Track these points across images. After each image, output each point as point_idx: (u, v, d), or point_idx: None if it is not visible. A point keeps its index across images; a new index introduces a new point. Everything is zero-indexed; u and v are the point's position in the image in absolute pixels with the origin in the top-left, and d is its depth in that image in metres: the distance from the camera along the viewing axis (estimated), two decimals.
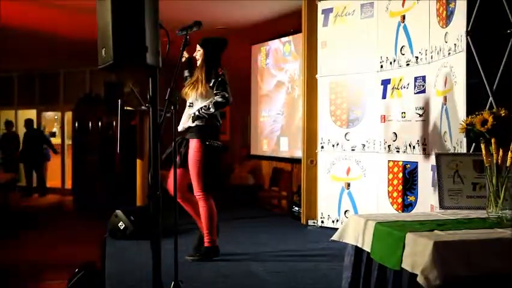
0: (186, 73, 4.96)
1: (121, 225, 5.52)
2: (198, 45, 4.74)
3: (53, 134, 15.00)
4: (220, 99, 4.54)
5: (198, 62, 4.73)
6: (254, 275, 4.26)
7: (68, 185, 12.80)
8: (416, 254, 2.52)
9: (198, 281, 3.98)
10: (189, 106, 4.72)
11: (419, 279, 2.40)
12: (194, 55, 4.75)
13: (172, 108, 3.20)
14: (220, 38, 4.98)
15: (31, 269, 5.90)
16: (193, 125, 4.60)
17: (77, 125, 11.46)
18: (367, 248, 2.98)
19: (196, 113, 4.58)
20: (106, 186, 9.27)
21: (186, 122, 4.68)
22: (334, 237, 3.28)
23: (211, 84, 4.61)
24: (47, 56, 11.10)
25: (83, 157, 10.92)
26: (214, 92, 4.58)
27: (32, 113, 13.98)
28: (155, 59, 2.52)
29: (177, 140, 4.37)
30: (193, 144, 4.62)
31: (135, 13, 2.44)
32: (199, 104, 4.63)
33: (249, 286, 3.97)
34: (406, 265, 2.58)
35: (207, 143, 4.58)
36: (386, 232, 2.83)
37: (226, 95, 4.55)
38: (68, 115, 13.12)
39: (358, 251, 3.12)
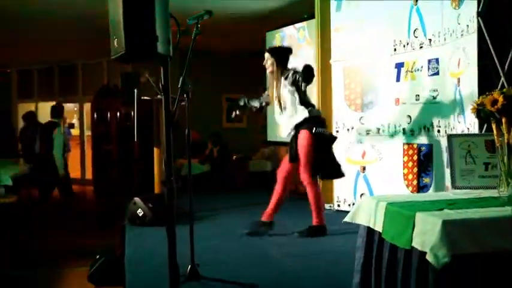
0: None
1: (140, 212, 5.62)
2: (267, 54, 5.13)
3: (72, 125, 15.21)
4: (300, 74, 4.84)
5: (269, 69, 5.11)
6: (269, 258, 4.34)
7: (88, 175, 12.99)
8: (426, 233, 2.56)
9: (214, 264, 4.07)
10: (281, 113, 5.14)
11: (428, 257, 2.44)
12: (264, 63, 5.14)
13: (185, 96, 3.26)
14: (286, 46, 5.58)
15: (55, 256, 6.05)
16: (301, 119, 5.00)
17: (95, 116, 11.61)
18: (378, 228, 3.03)
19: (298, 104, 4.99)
20: (125, 175, 9.41)
21: (289, 125, 5.13)
22: (347, 218, 3.32)
23: (289, 86, 4.96)
24: (65, 47, 11.21)
25: (102, 147, 11.07)
26: (298, 80, 4.90)
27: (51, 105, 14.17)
28: (166, 48, 2.58)
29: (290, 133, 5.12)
30: (303, 134, 5.00)
31: (146, 2, 2.50)
32: (290, 105, 5.01)
33: (263, 268, 4.04)
34: (416, 244, 2.62)
35: (315, 131, 4.96)
36: (397, 212, 2.87)
37: (307, 104, 4.97)
38: (87, 106, 13.28)
39: (370, 231, 3.16)
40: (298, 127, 5.06)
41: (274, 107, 5.24)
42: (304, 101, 5.04)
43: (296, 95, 4.99)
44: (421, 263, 2.60)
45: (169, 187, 2.71)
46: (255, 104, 5.42)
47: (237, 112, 5.44)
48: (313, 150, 5.00)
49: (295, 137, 5.12)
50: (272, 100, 5.16)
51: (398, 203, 2.99)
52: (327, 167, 5.13)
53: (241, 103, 5.41)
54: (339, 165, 5.19)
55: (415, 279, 2.63)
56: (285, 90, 5.02)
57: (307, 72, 4.83)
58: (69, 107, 14.95)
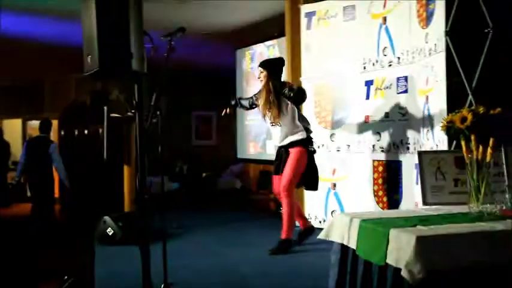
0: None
1: (109, 231, 5.54)
2: (259, 68, 5.26)
3: None
4: (293, 91, 5.01)
5: (263, 83, 5.19)
6: (244, 278, 4.31)
7: (55, 193, 12.73)
8: (400, 249, 2.58)
9: (189, 283, 4.02)
10: (272, 125, 5.25)
11: (403, 273, 2.46)
12: (258, 77, 5.27)
13: (158, 113, 3.24)
14: (278, 58, 5.68)
15: (19, 278, 5.89)
16: (298, 138, 5.17)
17: (62, 133, 11.45)
18: (352, 245, 3.04)
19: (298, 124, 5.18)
20: (93, 193, 9.26)
21: (284, 138, 5.22)
22: (321, 235, 3.33)
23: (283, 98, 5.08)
24: (32, 64, 11.07)
25: (69, 165, 10.87)
26: (287, 95, 5.04)
27: (17, 123, 13.93)
28: (140, 65, 2.57)
29: (281, 149, 5.28)
30: (298, 150, 5.16)
31: (120, 20, 2.48)
32: (284, 120, 5.14)
33: (238, 287, 4.01)
34: (390, 260, 2.64)
35: (310, 149, 5.21)
36: (371, 229, 2.89)
37: (295, 87, 5.07)
38: (54, 124, 13.06)
39: (344, 248, 3.18)
40: (293, 144, 5.19)
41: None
42: (301, 119, 5.22)
43: (291, 111, 5.13)
44: (395, 279, 2.62)
45: (142, 204, 2.66)
46: (245, 103, 5.60)
47: (227, 110, 5.58)
48: (303, 168, 5.18)
49: (285, 151, 5.24)
50: (263, 111, 5.24)
51: (371, 220, 3.01)
52: (309, 178, 5.30)
53: (233, 102, 5.62)
54: (317, 178, 5.37)
55: None
56: (283, 104, 5.13)
57: (299, 94, 5.06)
58: (35, 124, 14.71)
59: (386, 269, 2.72)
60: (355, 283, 3.01)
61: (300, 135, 5.17)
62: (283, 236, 5.20)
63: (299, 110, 5.23)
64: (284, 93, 5.06)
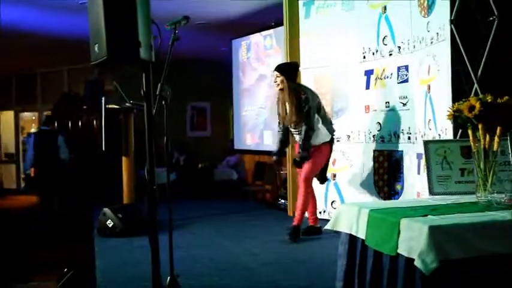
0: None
1: (109, 223, 5.50)
2: (275, 72, 5.34)
3: (31, 135, 14.83)
4: (306, 133, 5.18)
5: (279, 86, 5.27)
6: (247, 268, 4.29)
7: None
8: (412, 239, 2.56)
9: (192, 274, 3.99)
10: (294, 129, 5.40)
11: (417, 263, 2.44)
12: (274, 81, 5.36)
13: (163, 103, 3.19)
14: (293, 62, 5.73)
15: (17, 270, 5.84)
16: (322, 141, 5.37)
17: (56, 124, 11.35)
18: (361, 235, 3.01)
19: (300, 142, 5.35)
20: (89, 185, 9.20)
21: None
22: (328, 226, 3.30)
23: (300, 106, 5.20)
24: (24, 56, 10.95)
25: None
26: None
27: (9, 114, 13.82)
28: (148, 54, 2.52)
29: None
30: (327, 148, 5.40)
31: (128, 7, 2.43)
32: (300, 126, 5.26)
33: (243, 278, 3.99)
34: (402, 250, 2.62)
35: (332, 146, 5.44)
36: (381, 219, 2.86)
37: (310, 125, 5.18)
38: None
39: (352, 239, 3.15)
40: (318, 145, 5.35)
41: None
42: (324, 121, 5.34)
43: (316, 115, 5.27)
44: (407, 269, 2.60)
45: (152, 195, 2.62)
46: (284, 137, 5.58)
47: (278, 161, 5.76)
48: (324, 162, 5.42)
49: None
50: (283, 117, 5.37)
51: (381, 210, 2.98)
52: (321, 171, 5.46)
53: (276, 148, 5.64)
54: (326, 172, 5.53)
55: (402, 286, 2.62)
56: (295, 121, 5.29)
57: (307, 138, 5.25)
58: (28, 116, 14.61)
59: (397, 259, 2.69)
60: (365, 273, 2.98)
61: (323, 139, 5.35)
62: (294, 222, 5.33)
63: (322, 117, 5.31)
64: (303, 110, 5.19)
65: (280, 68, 5.38)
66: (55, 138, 8.27)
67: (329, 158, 5.50)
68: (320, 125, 5.30)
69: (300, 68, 6.39)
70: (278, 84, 5.28)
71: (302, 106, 5.17)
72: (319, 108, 5.31)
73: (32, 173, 8.28)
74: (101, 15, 2.41)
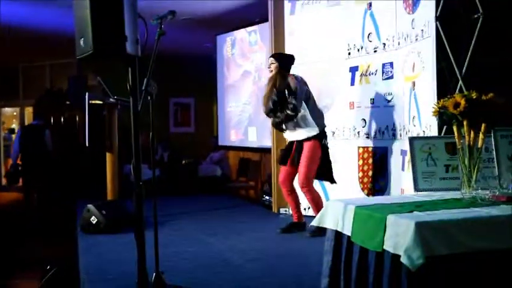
0: None
1: (93, 219, 5.45)
2: (271, 58, 5.41)
3: (12, 131, 14.68)
4: (290, 112, 5.13)
5: (272, 73, 5.30)
6: (232, 264, 4.28)
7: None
8: (398, 235, 2.56)
9: (177, 271, 3.97)
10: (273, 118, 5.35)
11: (403, 259, 2.44)
12: (268, 67, 5.40)
13: (149, 98, 3.17)
14: (290, 54, 5.66)
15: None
16: (310, 135, 5.24)
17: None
18: (347, 232, 3.01)
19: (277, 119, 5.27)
20: (73, 181, 9.13)
21: (293, 132, 5.32)
22: (314, 222, 3.30)
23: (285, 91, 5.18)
24: (5, 50, 10.81)
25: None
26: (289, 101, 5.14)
27: None
28: (135, 48, 2.50)
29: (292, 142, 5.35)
30: (312, 143, 5.22)
31: (114, 1, 2.41)
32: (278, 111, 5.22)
33: (228, 275, 3.98)
34: (388, 246, 2.62)
35: (323, 142, 5.28)
36: (367, 215, 2.87)
37: (295, 106, 5.12)
38: (28, 111, 12.85)
39: (338, 235, 3.15)
40: (305, 139, 5.27)
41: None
42: (313, 115, 5.26)
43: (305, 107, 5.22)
44: (393, 266, 2.60)
45: (138, 192, 2.60)
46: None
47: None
48: (317, 161, 5.27)
49: (299, 144, 5.29)
50: (265, 100, 5.35)
51: (367, 206, 2.98)
52: (326, 171, 5.39)
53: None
54: (332, 172, 5.45)
55: (388, 282, 2.62)
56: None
57: (289, 119, 5.22)
58: (9, 111, 14.44)
59: (383, 256, 2.70)
60: (351, 270, 2.99)
61: (310, 132, 5.24)
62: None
63: (310, 106, 5.25)
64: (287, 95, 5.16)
65: (276, 55, 5.50)
66: (43, 132, 8.29)
67: (326, 155, 5.34)
68: (308, 116, 5.22)
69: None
70: (271, 71, 5.32)
71: (288, 89, 5.14)
72: (308, 98, 5.25)
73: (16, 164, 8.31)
74: (87, 9, 2.38)
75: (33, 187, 8.42)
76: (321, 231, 5.09)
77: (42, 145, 8.21)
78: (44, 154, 8.28)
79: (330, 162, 5.39)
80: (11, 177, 8.85)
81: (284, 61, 5.37)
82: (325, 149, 5.32)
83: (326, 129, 5.37)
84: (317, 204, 5.26)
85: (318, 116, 5.31)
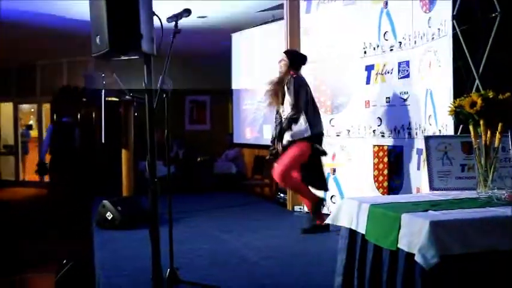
0: None
1: (109, 215, 5.50)
2: (283, 54, 5.37)
3: (30, 127, 14.83)
4: (291, 116, 5.10)
5: (280, 69, 5.29)
6: (247, 261, 4.30)
7: (47, 178, 12.66)
8: (413, 234, 2.56)
9: (192, 268, 3.99)
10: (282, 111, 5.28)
11: (417, 258, 2.44)
12: (278, 62, 5.32)
13: (164, 96, 3.19)
14: (303, 54, 5.58)
15: (17, 263, 5.85)
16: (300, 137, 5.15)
17: (55, 117, 11.34)
18: (361, 230, 3.02)
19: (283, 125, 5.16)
20: (88, 178, 9.20)
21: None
22: (328, 220, 3.30)
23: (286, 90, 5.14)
24: (23, 47, 10.92)
25: (63, 149, 10.80)
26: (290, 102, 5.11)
27: (8, 106, 13.79)
28: (150, 46, 2.51)
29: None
30: (301, 144, 5.15)
31: (129, 0, 2.43)
32: (286, 109, 5.19)
33: (242, 272, 4.00)
34: (402, 245, 2.62)
35: (314, 146, 5.18)
36: (381, 213, 2.86)
37: (295, 109, 5.07)
38: (45, 107, 12.97)
39: (352, 233, 3.15)
40: (295, 141, 5.18)
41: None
42: (310, 114, 5.18)
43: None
44: (407, 264, 2.60)
45: (153, 188, 2.62)
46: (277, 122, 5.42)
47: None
48: (304, 158, 5.16)
49: (290, 144, 5.20)
50: (271, 97, 5.31)
51: (381, 205, 2.98)
52: (318, 178, 5.34)
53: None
54: (325, 179, 5.45)
55: (402, 281, 2.62)
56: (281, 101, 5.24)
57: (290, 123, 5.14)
58: (26, 107, 14.59)
59: (397, 254, 2.70)
60: (364, 268, 2.99)
61: (302, 134, 5.15)
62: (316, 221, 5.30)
63: (309, 110, 5.18)
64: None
65: (288, 53, 5.45)
66: (73, 129, 8.58)
67: (317, 160, 5.27)
68: (302, 119, 5.14)
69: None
70: (281, 67, 5.29)
71: (287, 88, 5.12)
72: (307, 101, 5.17)
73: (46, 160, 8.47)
74: (103, 7, 2.40)
75: (60, 183, 8.57)
76: (315, 229, 5.16)
77: (71, 142, 8.36)
78: (72, 151, 8.42)
79: (322, 169, 5.34)
80: (41, 170, 9.00)
81: (294, 59, 5.32)
82: (316, 154, 5.23)
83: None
84: (300, 193, 5.31)
85: (314, 122, 5.20)
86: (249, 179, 9.97)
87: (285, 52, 5.46)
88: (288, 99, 5.17)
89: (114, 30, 2.39)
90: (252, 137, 9.07)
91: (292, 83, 5.12)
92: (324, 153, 5.32)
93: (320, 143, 5.25)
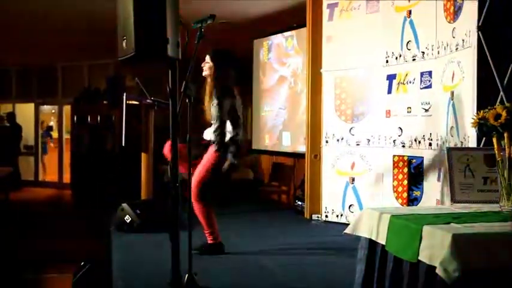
0: None
1: (127, 218, 5.52)
2: (207, 57, 4.60)
3: (51, 128, 14.98)
4: (216, 139, 4.50)
5: (205, 73, 4.62)
6: (264, 268, 4.28)
7: (66, 179, 12.80)
8: (434, 247, 2.53)
9: (210, 274, 3.99)
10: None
11: (438, 271, 2.41)
12: (202, 66, 4.59)
13: (187, 101, 3.20)
14: (233, 54, 4.86)
15: (35, 263, 5.90)
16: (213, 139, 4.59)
17: (75, 118, 11.46)
18: (381, 240, 2.99)
19: (213, 138, 4.54)
20: (107, 180, 9.27)
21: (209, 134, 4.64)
22: (347, 230, 3.29)
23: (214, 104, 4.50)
24: (45, 49, 11.03)
25: (81, 151, 10.91)
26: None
27: (29, 107, 13.94)
28: (175, 51, 2.53)
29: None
30: (212, 153, 4.57)
31: (157, 4, 2.44)
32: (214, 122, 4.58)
33: (259, 279, 3.99)
34: (423, 257, 2.59)
35: (222, 154, 4.52)
36: (402, 225, 2.84)
37: (219, 131, 4.48)
38: (66, 109, 13.10)
39: (372, 244, 3.13)
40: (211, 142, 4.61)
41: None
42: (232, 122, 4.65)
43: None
44: (428, 277, 2.57)
45: (174, 193, 2.62)
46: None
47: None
48: (213, 173, 4.58)
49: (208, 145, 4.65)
50: (207, 110, 4.64)
51: (402, 216, 2.96)
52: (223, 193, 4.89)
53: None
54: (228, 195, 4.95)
55: None
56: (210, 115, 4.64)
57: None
58: (47, 109, 14.74)
59: (417, 266, 2.67)
60: (384, 279, 2.96)
61: (215, 137, 4.55)
62: (208, 240, 4.78)
63: (233, 112, 4.66)
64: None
65: (215, 54, 4.62)
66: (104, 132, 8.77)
67: (226, 173, 4.61)
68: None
69: (321, 71, 6.41)
70: (205, 70, 4.59)
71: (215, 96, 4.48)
72: (230, 110, 4.60)
73: None
74: (131, 12, 2.41)
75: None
76: (203, 250, 4.55)
77: (102, 145, 8.46)
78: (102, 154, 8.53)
79: (229, 184, 4.84)
80: None
81: (222, 62, 4.60)
82: (221, 162, 4.55)
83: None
84: (208, 219, 4.72)
85: (234, 127, 4.65)
86: (266, 185, 9.94)
87: (210, 53, 4.64)
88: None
89: (140, 34, 2.41)
90: (270, 144, 9.05)
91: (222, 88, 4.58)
92: (235, 165, 4.66)
93: (234, 155, 4.59)
